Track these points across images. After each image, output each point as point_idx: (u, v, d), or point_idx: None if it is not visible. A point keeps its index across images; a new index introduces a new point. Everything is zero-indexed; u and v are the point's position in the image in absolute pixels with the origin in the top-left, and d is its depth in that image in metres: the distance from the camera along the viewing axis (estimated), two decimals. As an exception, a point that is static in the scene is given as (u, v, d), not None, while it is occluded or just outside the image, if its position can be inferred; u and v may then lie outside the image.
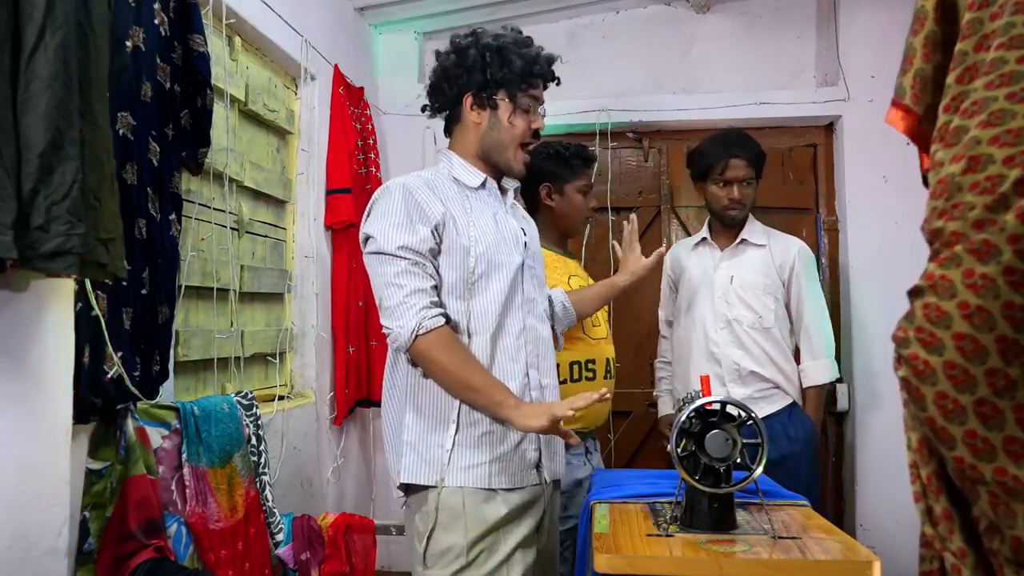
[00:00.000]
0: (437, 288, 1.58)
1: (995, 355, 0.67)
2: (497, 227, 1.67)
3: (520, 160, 1.72)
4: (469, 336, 1.60)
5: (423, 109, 1.79)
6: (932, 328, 0.69)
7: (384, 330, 1.59)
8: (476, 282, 1.61)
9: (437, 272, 1.60)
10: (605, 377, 2.22)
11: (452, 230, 1.60)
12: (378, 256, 1.59)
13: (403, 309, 1.53)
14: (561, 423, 1.48)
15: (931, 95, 0.86)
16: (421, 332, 1.52)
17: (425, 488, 1.59)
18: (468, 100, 1.68)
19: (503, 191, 1.75)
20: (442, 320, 1.54)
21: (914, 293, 0.72)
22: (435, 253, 1.59)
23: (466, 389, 1.55)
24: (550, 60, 1.71)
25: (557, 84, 1.74)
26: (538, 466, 1.64)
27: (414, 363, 1.59)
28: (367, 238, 1.62)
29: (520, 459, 1.61)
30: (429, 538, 1.57)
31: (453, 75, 1.68)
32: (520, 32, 1.71)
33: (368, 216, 1.64)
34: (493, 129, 1.69)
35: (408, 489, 1.64)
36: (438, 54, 1.73)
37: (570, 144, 2.35)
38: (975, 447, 0.69)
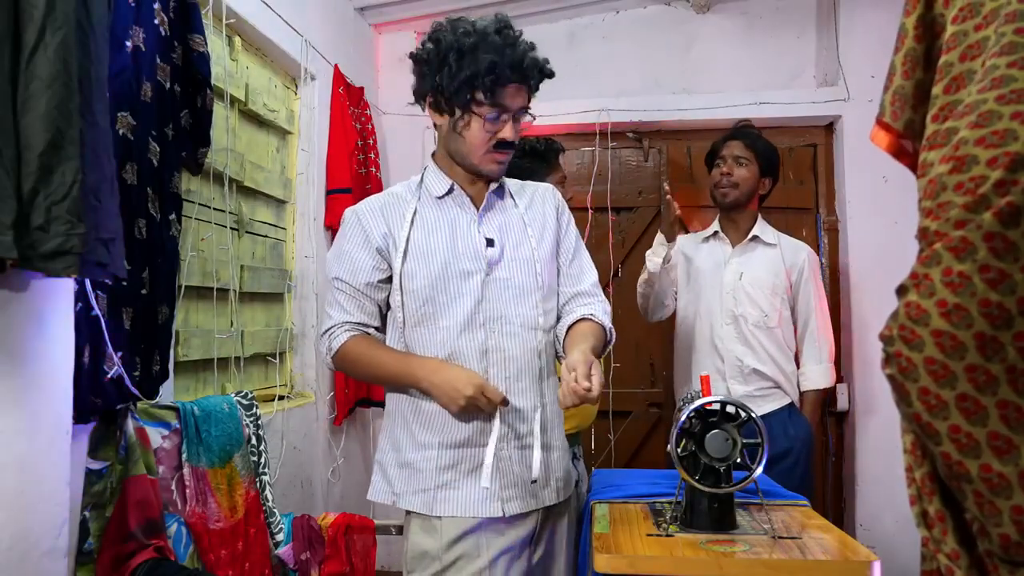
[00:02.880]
0: (363, 324, 1.61)
1: (974, 351, 0.68)
2: (453, 243, 1.56)
3: (490, 163, 1.57)
4: None
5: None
6: (913, 325, 0.70)
7: None
8: (417, 310, 1.55)
9: (380, 301, 1.62)
10: None
11: (394, 257, 1.57)
12: (328, 282, 1.65)
13: (323, 338, 1.62)
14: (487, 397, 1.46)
15: (911, 110, 0.89)
16: (332, 355, 1.60)
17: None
18: (428, 100, 1.57)
19: (479, 198, 1.62)
20: (344, 337, 1.58)
21: (900, 291, 0.73)
22: (373, 286, 1.59)
23: (388, 382, 1.60)
24: (520, 64, 1.49)
25: (535, 90, 1.57)
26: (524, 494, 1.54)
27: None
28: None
29: (511, 484, 1.53)
30: (409, 541, 1.56)
31: (419, 71, 1.57)
32: (504, 25, 1.51)
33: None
34: (454, 134, 1.57)
35: None
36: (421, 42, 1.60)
37: (540, 138, 2.34)
38: (960, 443, 0.70)
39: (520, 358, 1.56)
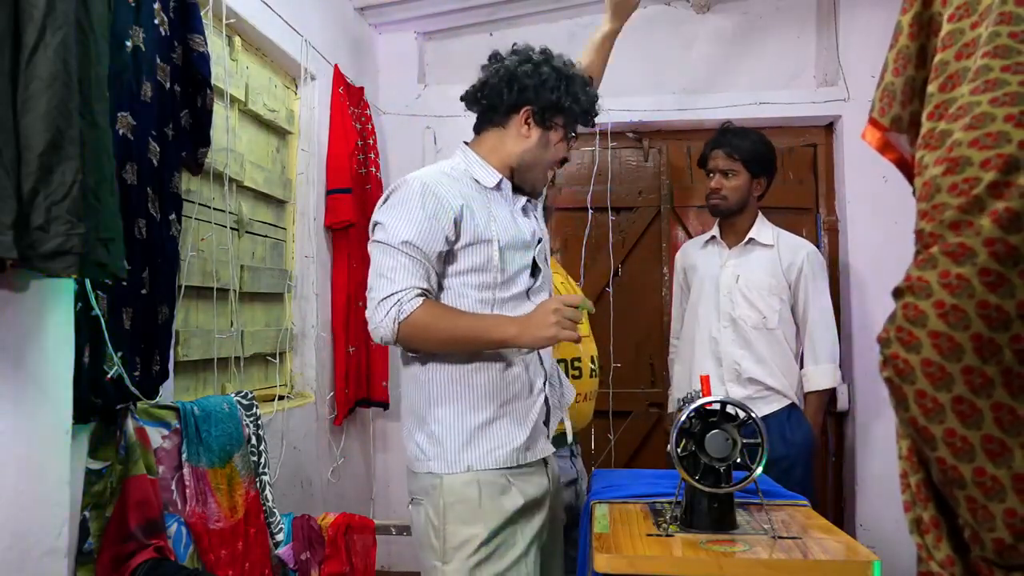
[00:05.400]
0: (428, 291, 1.58)
1: (971, 353, 0.68)
2: (516, 225, 1.68)
3: (545, 182, 1.79)
4: None
5: (469, 104, 1.75)
6: (910, 327, 0.70)
7: (368, 319, 1.58)
8: (503, 275, 1.62)
9: (440, 272, 1.61)
10: (590, 376, 2.21)
11: (472, 223, 1.60)
12: (381, 246, 1.59)
13: (387, 304, 1.53)
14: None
15: (899, 106, 0.90)
16: (401, 320, 1.53)
17: (440, 477, 1.58)
18: (525, 113, 1.68)
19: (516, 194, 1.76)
20: (417, 302, 1.54)
21: (896, 294, 0.73)
22: (442, 256, 1.59)
23: (468, 344, 1.58)
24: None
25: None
26: (545, 425, 1.68)
27: (411, 351, 1.62)
28: (376, 225, 1.62)
29: (538, 429, 1.65)
30: (445, 531, 1.56)
31: (522, 84, 1.66)
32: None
33: (383, 204, 1.64)
34: (540, 148, 1.70)
35: (420, 482, 1.62)
36: (499, 56, 1.72)
37: None
38: (955, 446, 0.70)
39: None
